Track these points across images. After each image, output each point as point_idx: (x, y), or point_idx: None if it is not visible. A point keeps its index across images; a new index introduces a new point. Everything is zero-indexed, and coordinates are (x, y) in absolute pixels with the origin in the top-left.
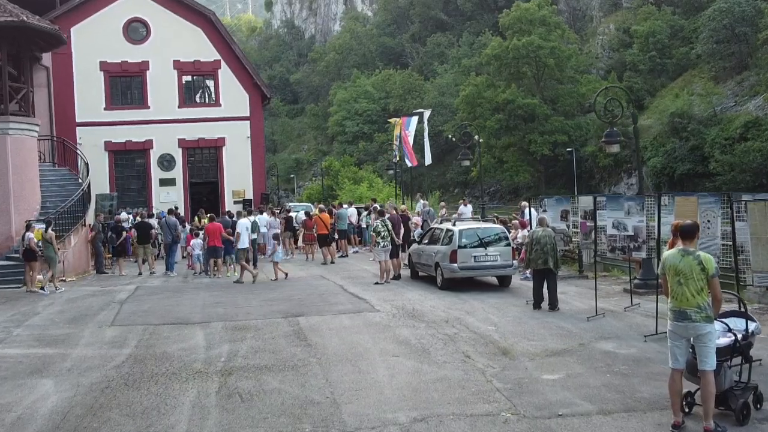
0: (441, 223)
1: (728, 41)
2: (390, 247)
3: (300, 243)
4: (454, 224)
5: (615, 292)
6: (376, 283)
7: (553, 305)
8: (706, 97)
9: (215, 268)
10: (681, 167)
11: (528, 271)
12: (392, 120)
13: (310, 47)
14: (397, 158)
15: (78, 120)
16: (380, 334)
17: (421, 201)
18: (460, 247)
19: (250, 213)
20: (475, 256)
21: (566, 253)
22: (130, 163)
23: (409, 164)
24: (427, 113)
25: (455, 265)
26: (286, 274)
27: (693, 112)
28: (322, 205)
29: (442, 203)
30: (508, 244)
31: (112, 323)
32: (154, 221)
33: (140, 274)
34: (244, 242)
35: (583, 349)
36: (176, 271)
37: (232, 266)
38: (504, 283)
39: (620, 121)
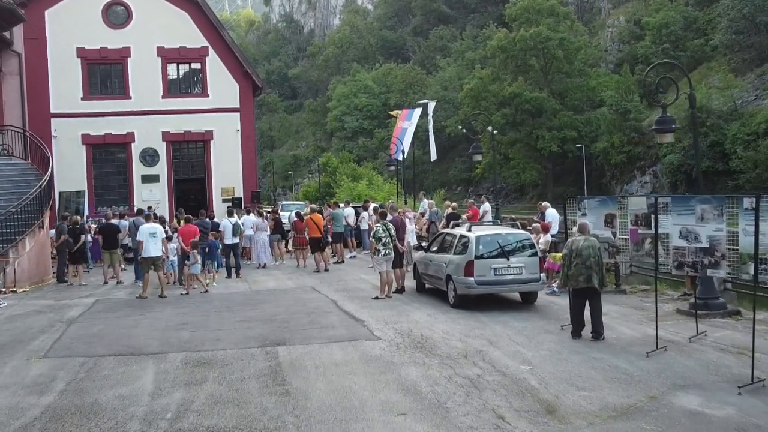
0: (450, 226)
1: (748, 32)
2: (392, 255)
3: (290, 247)
4: (469, 229)
5: (666, 314)
6: (376, 298)
7: (598, 333)
8: (725, 91)
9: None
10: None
11: (555, 284)
12: (394, 112)
13: (309, 42)
14: (401, 155)
15: (53, 111)
16: (381, 376)
17: (425, 200)
18: (477, 257)
19: (231, 213)
20: (495, 269)
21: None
22: (109, 158)
23: (397, 160)
24: (432, 104)
25: (471, 279)
26: (206, 290)
27: (712, 107)
28: (313, 205)
29: (448, 201)
30: (535, 254)
31: (46, 354)
32: (125, 223)
33: (105, 283)
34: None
35: (657, 406)
36: None
37: (211, 274)
38: (529, 299)
39: (633, 116)
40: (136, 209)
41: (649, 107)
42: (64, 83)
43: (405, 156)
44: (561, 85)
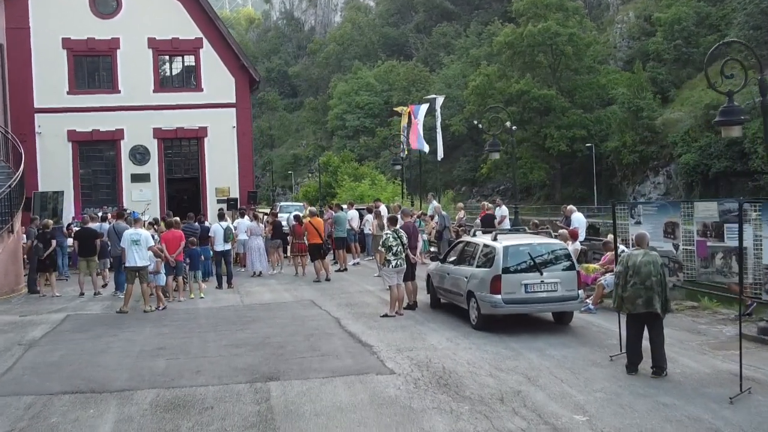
0: (471, 234)
1: (766, 27)
2: (404, 266)
3: (288, 253)
4: (494, 238)
5: (730, 340)
6: (385, 315)
7: (660, 368)
8: (744, 87)
9: (174, 290)
10: (717, 165)
11: (589, 300)
12: (399, 108)
13: (309, 39)
14: (405, 152)
15: (37, 106)
16: (398, 429)
17: (434, 202)
18: (505, 271)
19: (223, 217)
20: (526, 285)
21: None
22: (97, 155)
23: (421, 149)
24: (440, 99)
25: (498, 297)
26: (165, 307)
27: None
28: (312, 207)
29: (460, 204)
30: (571, 267)
31: None
32: (105, 226)
33: (82, 294)
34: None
35: None
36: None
37: (198, 284)
38: (563, 320)
39: (646, 114)
40: (117, 212)
41: (663, 105)
42: (49, 76)
43: (424, 148)
44: (570, 83)
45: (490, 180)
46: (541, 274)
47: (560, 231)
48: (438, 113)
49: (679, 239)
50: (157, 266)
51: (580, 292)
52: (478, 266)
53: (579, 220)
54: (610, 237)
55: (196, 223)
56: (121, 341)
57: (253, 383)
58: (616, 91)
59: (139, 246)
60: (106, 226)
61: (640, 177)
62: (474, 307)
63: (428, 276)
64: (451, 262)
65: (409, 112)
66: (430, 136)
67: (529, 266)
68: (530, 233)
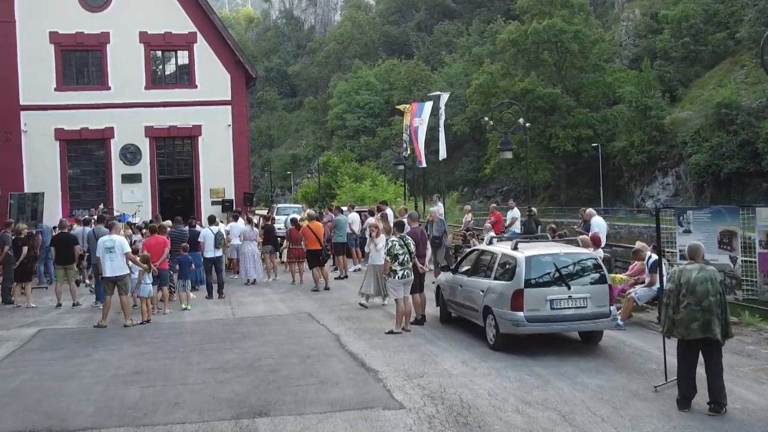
0: (486, 242)
1: None
2: (411, 277)
3: (284, 258)
4: (515, 246)
5: None
6: (390, 332)
7: (719, 405)
8: (755, 86)
9: (160, 300)
10: (729, 165)
11: (618, 314)
12: (401, 106)
13: (309, 38)
14: (408, 152)
15: (23, 103)
16: None
17: (439, 204)
18: (528, 284)
19: (213, 221)
20: (551, 301)
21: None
22: (86, 155)
23: (418, 164)
24: (444, 96)
25: (520, 314)
26: (149, 320)
27: (741, 103)
28: (311, 210)
29: (468, 206)
30: (603, 279)
31: None
32: (85, 230)
33: (59, 305)
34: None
35: None
36: None
37: (185, 294)
38: (591, 339)
39: (655, 113)
40: (98, 215)
41: (671, 104)
42: (36, 72)
43: (424, 157)
44: (575, 81)
45: (493, 180)
46: (569, 288)
47: (581, 237)
48: (442, 111)
49: (737, 251)
50: (140, 276)
51: (613, 308)
52: (496, 278)
53: (599, 224)
54: (639, 244)
55: (186, 228)
56: (94, 363)
57: (239, 420)
58: (623, 89)
59: (114, 254)
60: (86, 230)
61: (648, 178)
62: (491, 325)
63: (438, 287)
64: (464, 273)
65: (412, 111)
66: (432, 135)
67: (555, 279)
68: (555, 241)
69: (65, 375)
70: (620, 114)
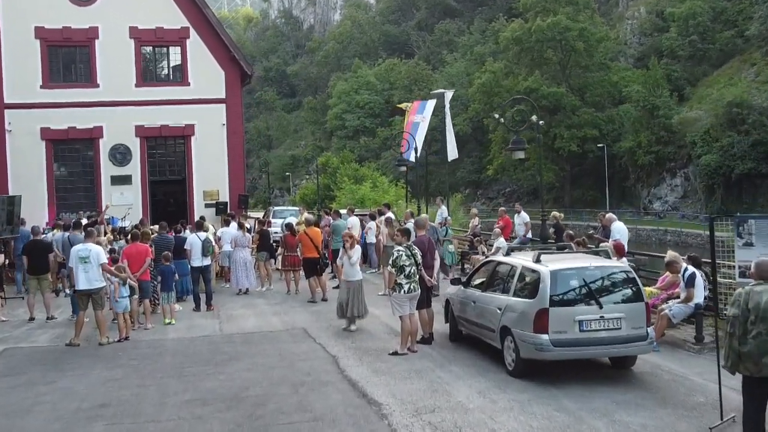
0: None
1: None
2: (418, 292)
3: (278, 265)
4: (537, 259)
5: None
6: (395, 353)
7: None
8: (766, 84)
9: (142, 313)
10: (740, 166)
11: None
12: (402, 105)
13: (308, 38)
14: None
15: (7, 101)
16: None
17: (443, 206)
18: (553, 303)
19: (201, 226)
20: (581, 321)
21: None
22: (73, 155)
23: (409, 160)
24: (449, 94)
25: (545, 336)
26: (127, 338)
27: (752, 102)
28: (308, 215)
29: (475, 210)
30: (638, 296)
31: None
32: (58, 237)
33: (32, 319)
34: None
35: None
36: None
37: (169, 306)
38: (624, 364)
39: (663, 113)
40: (73, 221)
41: (679, 103)
42: (21, 69)
43: (418, 155)
44: (580, 80)
45: (496, 182)
46: (600, 306)
47: (602, 245)
48: (447, 109)
49: None
50: (116, 288)
51: (650, 329)
52: (516, 295)
53: (620, 230)
54: (671, 254)
55: (171, 234)
56: (57, 392)
57: None
58: (629, 89)
59: (89, 264)
60: (65, 235)
61: (656, 179)
62: (510, 348)
63: (447, 302)
64: (478, 287)
65: (413, 109)
66: (433, 136)
67: (584, 296)
68: (582, 251)
69: (22, 408)
70: (626, 114)
